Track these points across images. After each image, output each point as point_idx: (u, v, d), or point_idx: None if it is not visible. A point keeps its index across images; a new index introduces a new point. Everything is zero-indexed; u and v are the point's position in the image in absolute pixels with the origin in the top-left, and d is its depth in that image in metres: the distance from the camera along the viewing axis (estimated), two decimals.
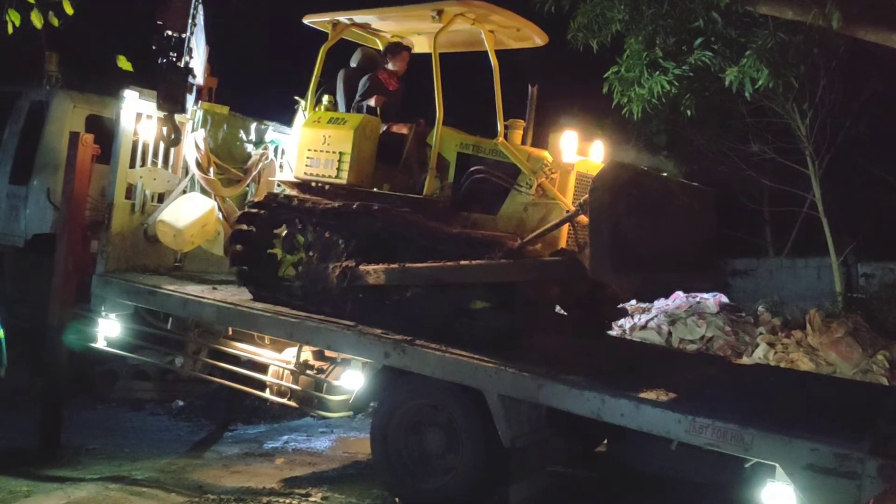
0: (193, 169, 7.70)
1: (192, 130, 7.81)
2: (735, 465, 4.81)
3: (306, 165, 6.53)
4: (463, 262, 5.46)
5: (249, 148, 8.37)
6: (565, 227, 5.57)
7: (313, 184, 6.50)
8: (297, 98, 7.17)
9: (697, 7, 9.49)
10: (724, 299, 11.36)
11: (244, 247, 6.62)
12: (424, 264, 5.64)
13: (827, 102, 13.93)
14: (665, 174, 5.89)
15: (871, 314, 9.36)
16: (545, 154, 5.84)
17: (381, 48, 7.26)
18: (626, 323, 10.75)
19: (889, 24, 8.99)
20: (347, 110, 6.88)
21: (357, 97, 6.78)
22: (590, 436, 6.47)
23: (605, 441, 6.40)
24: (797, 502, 4.28)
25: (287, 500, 5.87)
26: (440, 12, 6.08)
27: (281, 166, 8.66)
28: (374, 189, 6.29)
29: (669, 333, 10.47)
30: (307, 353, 6.55)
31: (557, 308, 6.93)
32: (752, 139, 15.27)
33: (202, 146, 7.70)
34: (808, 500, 4.19)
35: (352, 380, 6.20)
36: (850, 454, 4.08)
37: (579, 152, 5.86)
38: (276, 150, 8.57)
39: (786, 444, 4.26)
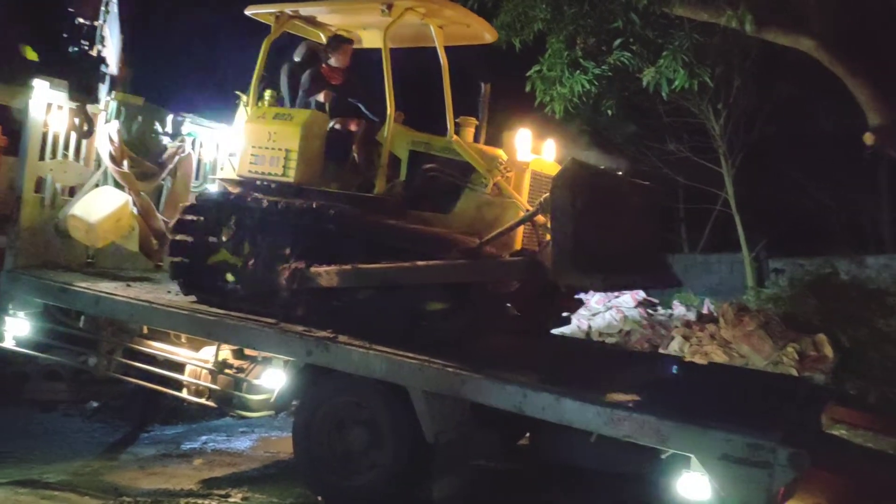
0: (106, 162, 7.47)
1: (106, 122, 7.56)
2: (652, 456, 4.93)
3: (250, 163, 6.30)
4: (420, 263, 5.36)
5: (165, 140, 8.16)
6: (521, 227, 5.54)
7: (258, 182, 6.28)
8: (238, 93, 6.83)
9: (616, 8, 9.70)
10: (641, 294, 11.62)
11: (184, 247, 6.40)
12: (379, 265, 5.53)
13: (740, 103, 14.43)
14: (620, 172, 5.96)
15: (781, 308, 9.73)
16: (500, 152, 5.79)
17: (324, 42, 7.07)
18: None
19: (798, 28, 9.37)
20: (292, 106, 6.68)
21: (301, 93, 6.59)
22: (512, 429, 6.54)
23: (528, 434, 6.46)
24: (712, 492, 4.40)
25: (206, 502, 5.73)
26: (390, 6, 5.96)
27: (200, 160, 8.51)
28: (322, 188, 6.11)
29: (589, 328, 10.67)
30: (226, 352, 6.41)
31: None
32: (669, 138, 15.71)
33: (115, 138, 7.47)
34: (722, 489, 4.30)
35: (273, 378, 6.09)
36: (763, 444, 4.20)
37: (532, 151, 5.84)
38: (193, 142, 8.38)
39: (700, 435, 4.37)
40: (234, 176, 6.54)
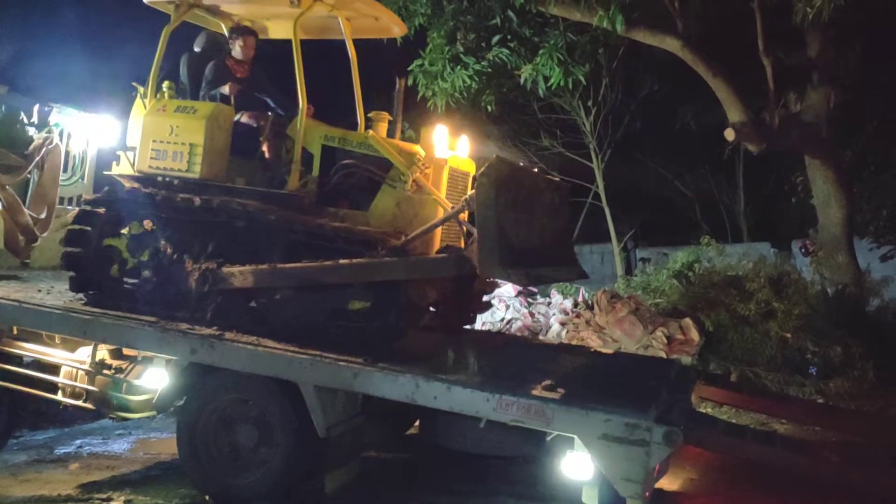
0: None
1: None
2: (538, 438, 5.15)
3: (151, 158, 5.98)
4: (344, 262, 5.27)
5: (31, 131, 7.73)
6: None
7: (160, 178, 5.98)
8: (134, 84, 6.43)
9: (494, 5, 9.94)
10: None
11: (80, 247, 6.07)
12: (299, 264, 5.39)
13: (609, 100, 15.04)
14: (536, 169, 6.06)
15: (648, 294, 10.24)
16: (417, 148, 5.76)
17: (225, 32, 6.82)
18: None
19: (664, 29, 9.89)
20: (194, 98, 6.39)
21: (205, 85, 6.34)
22: (402, 419, 6.64)
23: (417, 423, 6.56)
24: (594, 470, 4.65)
25: None
26: None
27: (69, 152, 8.13)
28: (228, 183, 5.91)
29: None
30: (103, 352, 6.18)
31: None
32: (543, 134, 16.19)
33: None
34: (603, 467, 4.54)
35: (155, 378, 5.93)
36: (639, 423, 4.46)
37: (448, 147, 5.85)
38: (60, 133, 7.98)
39: (583, 417, 4.58)
40: (131, 171, 6.17)
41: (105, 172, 6.44)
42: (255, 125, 6.20)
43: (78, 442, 7.69)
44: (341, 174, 5.86)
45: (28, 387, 6.45)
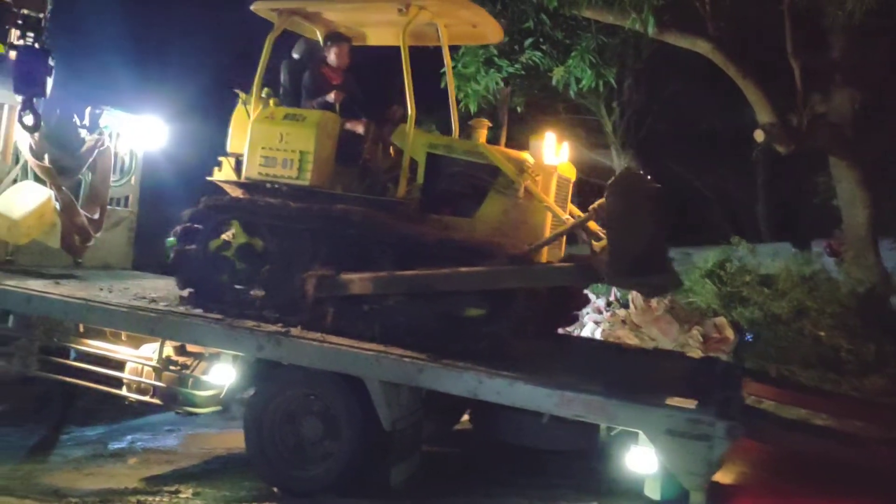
0: (27, 156, 7.17)
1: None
2: (592, 433, 5.31)
3: (260, 165, 6.10)
4: (462, 269, 5.34)
5: (83, 133, 7.90)
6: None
7: (268, 185, 6.09)
8: (237, 91, 6.56)
9: (528, 8, 10.10)
10: None
11: (190, 254, 6.21)
12: (417, 272, 5.45)
13: (632, 101, 15.18)
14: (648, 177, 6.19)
15: (680, 293, 10.38)
16: (526, 156, 5.84)
17: (320, 39, 6.89)
18: None
19: (695, 31, 10.04)
20: (293, 104, 6.47)
21: (305, 93, 6.43)
22: (452, 413, 6.80)
23: (468, 417, 6.72)
24: (658, 464, 4.80)
25: (157, 499, 5.67)
26: (408, 5, 5.88)
27: (117, 153, 8.29)
28: (332, 191, 6.00)
29: None
30: (169, 349, 6.34)
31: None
32: (568, 135, 16.31)
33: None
34: (667, 461, 4.68)
35: (221, 373, 6.09)
36: (701, 419, 4.60)
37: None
38: (110, 135, 8.15)
39: (645, 412, 4.73)
40: (236, 178, 6.30)
41: (208, 178, 6.56)
42: (357, 132, 6.27)
43: (129, 437, 7.82)
44: (449, 181, 5.96)
45: (93, 382, 6.61)
